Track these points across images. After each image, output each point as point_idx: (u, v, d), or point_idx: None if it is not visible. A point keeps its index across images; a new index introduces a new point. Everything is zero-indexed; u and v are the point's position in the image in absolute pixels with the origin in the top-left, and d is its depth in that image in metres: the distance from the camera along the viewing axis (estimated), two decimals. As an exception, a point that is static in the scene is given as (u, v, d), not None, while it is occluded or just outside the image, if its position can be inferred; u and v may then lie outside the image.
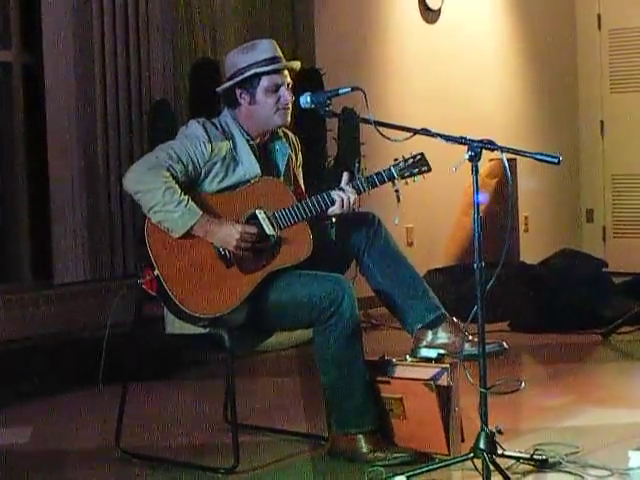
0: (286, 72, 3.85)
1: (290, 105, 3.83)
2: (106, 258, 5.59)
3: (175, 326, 3.77)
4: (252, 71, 3.77)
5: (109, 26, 5.59)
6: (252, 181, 3.78)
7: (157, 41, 5.79)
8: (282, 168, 3.90)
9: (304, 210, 3.73)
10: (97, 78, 5.56)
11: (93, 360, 4.34)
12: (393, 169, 3.79)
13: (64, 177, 5.47)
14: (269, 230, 3.72)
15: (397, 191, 3.78)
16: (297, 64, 3.93)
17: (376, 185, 3.80)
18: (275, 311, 3.72)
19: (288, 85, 3.83)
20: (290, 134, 4.00)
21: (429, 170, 3.82)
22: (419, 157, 3.82)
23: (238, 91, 3.83)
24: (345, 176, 3.80)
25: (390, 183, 3.79)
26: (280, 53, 3.85)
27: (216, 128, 3.81)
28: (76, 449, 4.11)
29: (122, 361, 3.97)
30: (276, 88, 3.80)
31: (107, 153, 5.60)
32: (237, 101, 3.84)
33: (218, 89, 3.90)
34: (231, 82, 3.83)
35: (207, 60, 5.86)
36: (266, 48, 3.82)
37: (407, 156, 3.81)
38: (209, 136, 3.76)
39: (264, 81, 3.79)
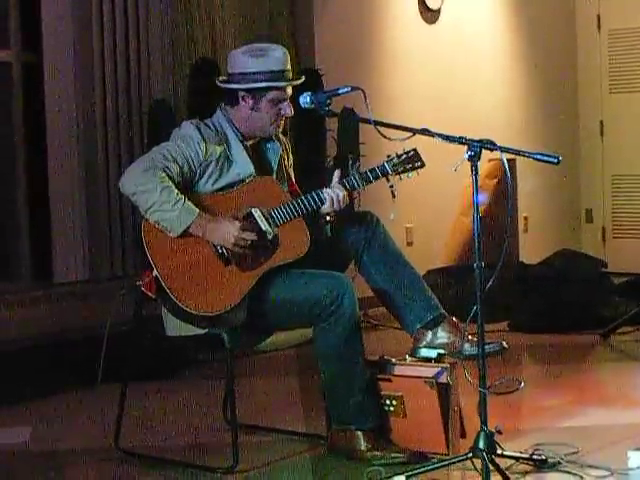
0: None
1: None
2: (106, 258, 5.59)
3: (174, 328, 3.77)
4: (265, 84, 3.76)
5: (109, 25, 5.59)
6: (247, 180, 3.78)
7: (157, 41, 5.79)
8: (275, 167, 3.91)
9: (299, 207, 3.74)
10: (97, 77, 5.56)
11: (92, 360, 4.34)
12: (386, 165, 3.80)
13: (64, 176, 5.48)
14: (265, 227, 3.72)
15: (392, 187, 3.79)
16: (301, 81, 3.91)
17: (370, 181, 3.81)
18: (275, 310, 3.71)
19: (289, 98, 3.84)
20: (280, 135, 4.00)
21: (422, 166, 3.82)
22: (412, 153, 3.82)
23: (242, 93, 3.81)
24: (336, 173, 3.81)
25: (385, 179, 3.79)
26: (289, 65, 3.83)
27: (210, 129, 3.81)
28: (75, 449, 4.10)
29: (121, 361, 3.96)
30: (280, 101, 3.81)
31: (107, 152, 5.60)
32: (237, 101, 3.83)
33: (222, 85, 3.87)
34: (239, 86, 3.80)
35: (206, 60, 5.86)
36: (279, 58, 3.79)
37: (400, 152, 3.81)
38: (203, 137, 3.75)
39: (272, 94, 3.79)
